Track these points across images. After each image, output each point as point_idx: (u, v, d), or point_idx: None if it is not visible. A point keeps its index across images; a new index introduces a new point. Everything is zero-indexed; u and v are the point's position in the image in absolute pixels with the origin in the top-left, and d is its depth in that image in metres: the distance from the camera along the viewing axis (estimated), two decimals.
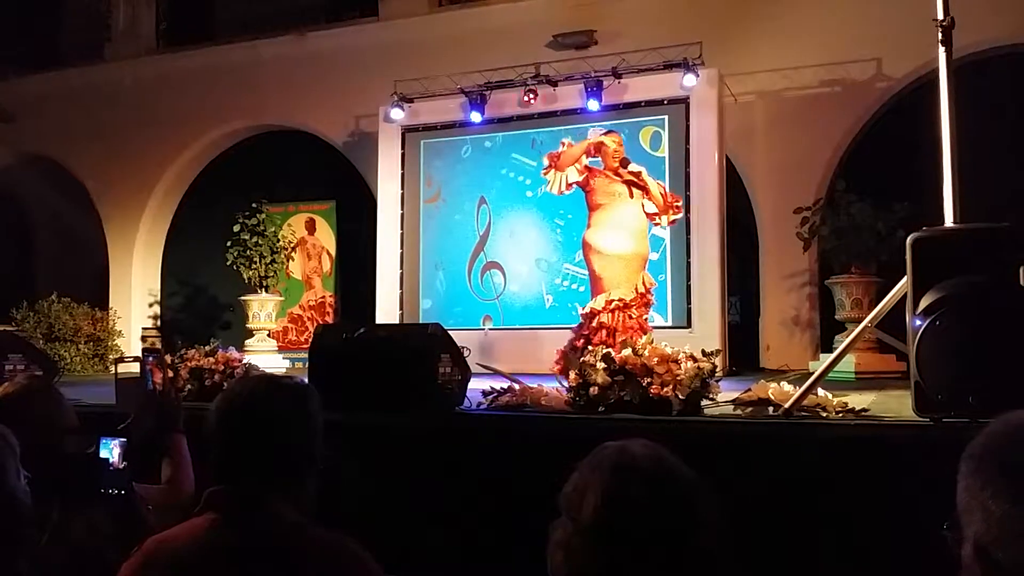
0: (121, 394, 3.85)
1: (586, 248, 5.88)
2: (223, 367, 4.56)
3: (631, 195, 5.72)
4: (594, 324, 5.42)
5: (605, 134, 6.11)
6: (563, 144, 6.22)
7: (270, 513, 1.60)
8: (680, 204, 5.96)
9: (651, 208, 5.70)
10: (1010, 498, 0.98)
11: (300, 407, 1.74)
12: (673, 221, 5.95)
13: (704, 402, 3.78)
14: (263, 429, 1.68)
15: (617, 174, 5.76)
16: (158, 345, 10.56)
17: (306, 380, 1.86)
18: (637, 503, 1.15)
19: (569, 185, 5.93)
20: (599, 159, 5.94)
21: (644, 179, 5.72)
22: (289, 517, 1.61)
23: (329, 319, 10.37)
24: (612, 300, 5.48)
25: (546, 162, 6.07)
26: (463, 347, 4.18)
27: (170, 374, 3.58)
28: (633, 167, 5.76)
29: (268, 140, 10.83)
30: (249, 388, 1.77)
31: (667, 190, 5.92)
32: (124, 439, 2.33)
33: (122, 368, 3.73)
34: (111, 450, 2.32)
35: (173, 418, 2.58)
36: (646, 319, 5.57)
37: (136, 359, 2.90)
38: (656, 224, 5.90)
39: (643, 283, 5.57)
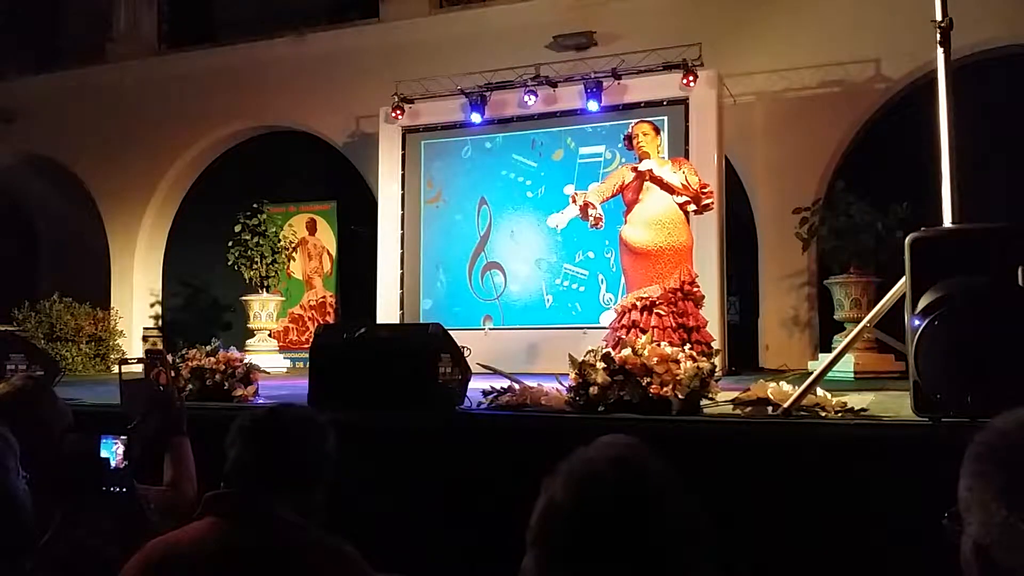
0: (126, 395, 3.86)
1: (619, 244, 5.57)
2: (224, 367, 4.56)
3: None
4: (624, 322, 5.28)
5: (637, 123, 5.51)
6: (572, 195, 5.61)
7: (270, 516, 1.61)
8: (710, 189, 5.37)
9: (681, 200, 5.32)
10: (1009, 505, 0.98)
11: (317, 433, 1.83)
12: (707, 207, 5.40)
13: (703, 402, 3.79)
14: (276, 440, 1.75)
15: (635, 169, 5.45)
16: (160, 345, 10.58)
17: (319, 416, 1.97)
18: (563, 510, 1.11)
19: (599, 219, 5.43)
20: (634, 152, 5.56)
21: (657, 176, 5.32)
22: (290, 521, 1.61)
23: (330, 319, 10.39)
24: (642, 297, 5.26)
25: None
26: (463, 347, 4.18)
27: (171, 374, 3.59)
28: (644, 165, 5.35)
29: (269, 141, 10.84)
30: (276, 410, 1.88)
31: (690, 174, 5.34)
32: (125, 437, 2.34)
33: (126, 369, 3.73)
34: (112, 449, 2.32)
35: (177, 421, 2.58)
36: (683, 314, 5.19)
37: (140, 360, 2.90)
38: (695, 213, 5.41)
39: (678, 278, 5.21)
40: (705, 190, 5.35)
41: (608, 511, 1.10)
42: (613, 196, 5.54)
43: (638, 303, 5.24)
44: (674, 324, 5.12)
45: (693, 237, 5.51)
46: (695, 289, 5.28)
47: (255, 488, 1.65)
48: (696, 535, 1.12)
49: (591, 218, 5.43)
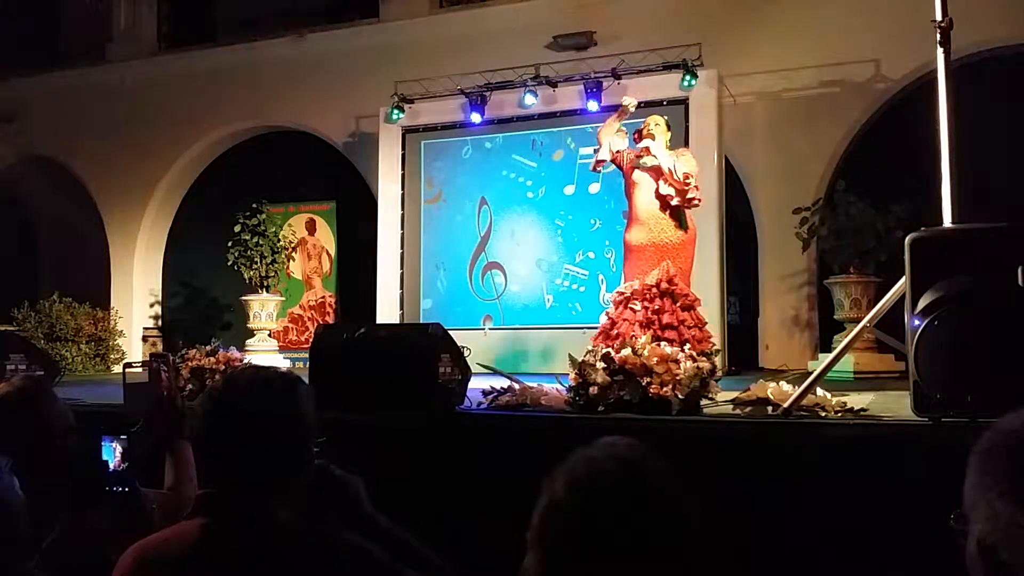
0: (129, 399, 3.86)
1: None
2: (224, 367, 4.57)
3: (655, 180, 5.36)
4: (614, 316, 5.33)
5: (651, 115, 5.59)
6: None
7: (263, 515, 1.56)
8: (694, 184, 5.28)
9: (666, 190, 5.27)
10: (1016, 501, 0.97)
11: (288, 402, 1.66)
12: (691, 200, 5.29)
13: (703, 402, 3.79)
14: (251, 429, 1.61)
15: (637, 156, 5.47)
16: (159, 345, 10.58)
17: (294, 372, 1.78)
18: (567, 507, 1.12)
19: (600, 162, 5.55)
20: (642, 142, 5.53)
21: (652, 153, 5.31)
22: (283, 517, 1.57)
23: (329, 319, 10.39)
24: (621, 292, 5.32)
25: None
26: (463, 347, 4.18)
27: (175, 376, 3.58)
28: (644, 142, 5.38)
29: (268, 140, 10.84)
30: (234, 386, 1.68)
31: (679, 163, 5.28)
32: (124, 437, 2.34)
33: (129, 372, 3.74)
34: (111, 450, 2.32)
35: (179, 425, 2.57)
36: (659, 311, 5.16)
37: (144, 364, 2.90)
38: (683, 206, 5.32)
39: (656, 274, 5.20)
40: (688, 182, 5.26)
41: (609, 511, 1.10)
42: (612, 160, 5.57)
43: (617, 297, 5.31)
44: (644, 319, 5.11)
45: (691, 235, 5.45)
46: (674, 286, 5.24)
47: (240, 482, 1.59)
48: (697, 535, 1.12)
49: (601, 155, 5.53)
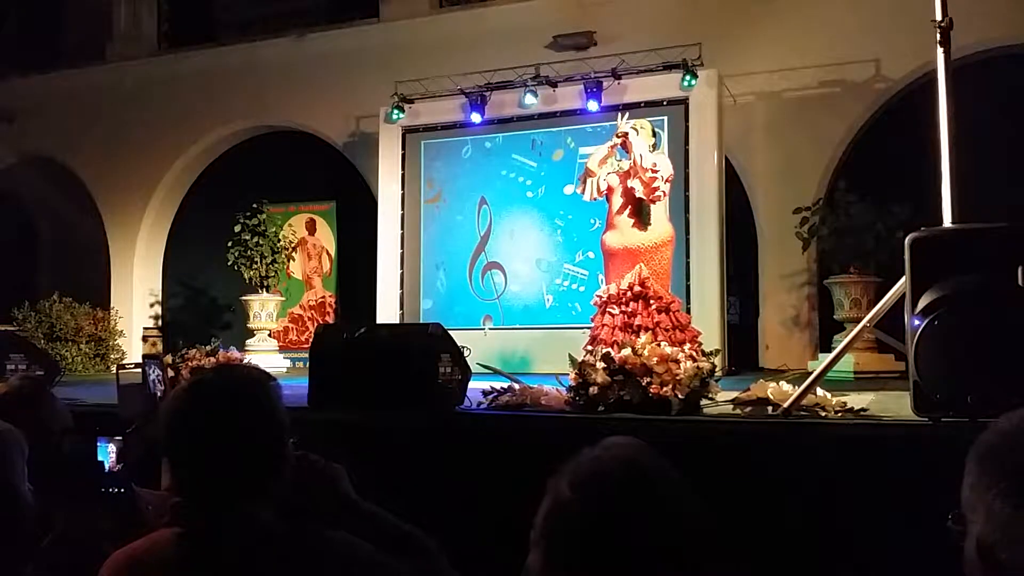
0: (124, 400, 3.86)
1: None
2: None
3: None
4: (596, 323, 5.40)
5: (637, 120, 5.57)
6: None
7: (241, 520, 1.52)
8: (656, 173, 5.22)
9: (633, 183, 5.25)
10: (1014, 502, 0.98)
11: (257, 401, 1.60)
12: (655, 190, 5.22)
13: (703, 402, 3.79)
14: (220, 432, 1.55)
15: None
16: (159, 345, 10.58)
17: (264, 370, 1.72)
18: (570, 508, 1.13)
19: (601, 192, 5.48)
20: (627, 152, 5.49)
21: (629, 142, 5.30)
22: (263, 520, 1.53)
23: (329, 319, 10.39)
24: (599, 296, 5.38)
25: (580, 180, 5.63)
26: (463, 347, 4.19)
27: (171, 373, 3.58)
28: (622, 129, 5.36)
29: (268, 140, 10.84)
30: (199, 388, 1.63)
31: (650, 155, 5.27)
32: (119, 439, 2.33)
33: (123, 373, 3.73)
34: (107, 452, 2.32)
35: None
36: (633, 314, 5.17)
37: (138, 365, 2.90)
38: (647, 199, 5.29)
39: (629, 279, 5.23)
40: (656, 172, 5.23)
41: (614, 511, 1.11)
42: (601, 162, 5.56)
43: (597, 301, 5.35)
44: (622, 324, 5.14)
45: (665, 237, 5.44)
46: (646, 289, 5.24)
47: (212, 488, 1.54)
48: (700, 535, 1.12)
49: (602, 186, 5.49)
